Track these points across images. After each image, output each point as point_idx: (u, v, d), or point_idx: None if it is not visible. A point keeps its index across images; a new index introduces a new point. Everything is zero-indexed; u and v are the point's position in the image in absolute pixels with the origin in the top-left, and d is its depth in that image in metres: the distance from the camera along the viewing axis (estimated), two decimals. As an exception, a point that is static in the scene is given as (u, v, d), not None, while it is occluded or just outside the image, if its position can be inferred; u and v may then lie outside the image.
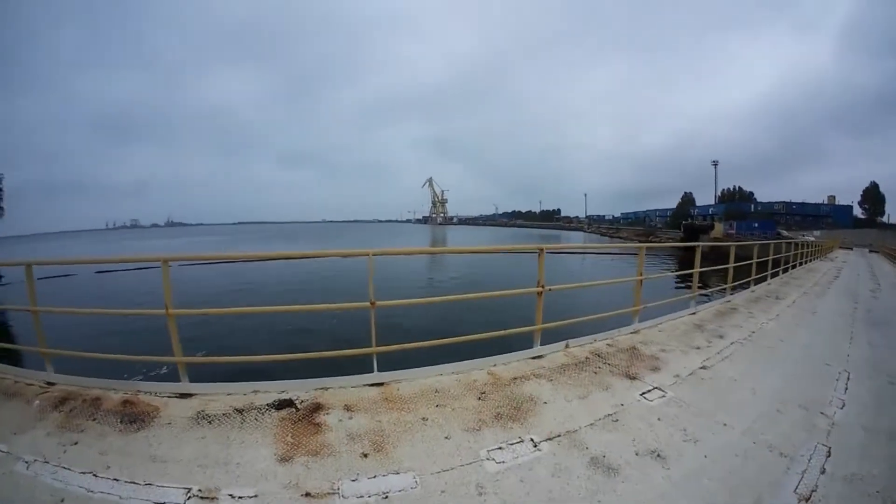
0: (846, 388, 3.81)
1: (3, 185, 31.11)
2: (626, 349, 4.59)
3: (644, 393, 3.46)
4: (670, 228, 75.44)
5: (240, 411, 2.98)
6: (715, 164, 64.97)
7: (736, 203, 75.27)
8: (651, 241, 67.62)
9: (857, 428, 3.07)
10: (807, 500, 2.28)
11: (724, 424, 2.99)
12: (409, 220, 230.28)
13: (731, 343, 5.02)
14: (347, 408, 3.06)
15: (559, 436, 2.77)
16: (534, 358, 4.24)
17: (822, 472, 2.51)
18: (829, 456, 2.68)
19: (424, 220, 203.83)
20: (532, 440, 2.72)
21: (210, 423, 2.86)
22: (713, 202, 73.62)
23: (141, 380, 3.53)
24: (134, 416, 2.94)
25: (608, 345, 4.76)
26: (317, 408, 3.04)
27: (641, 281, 5.53)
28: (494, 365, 3.98)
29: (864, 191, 67.35)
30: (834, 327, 6.23)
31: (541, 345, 4.40)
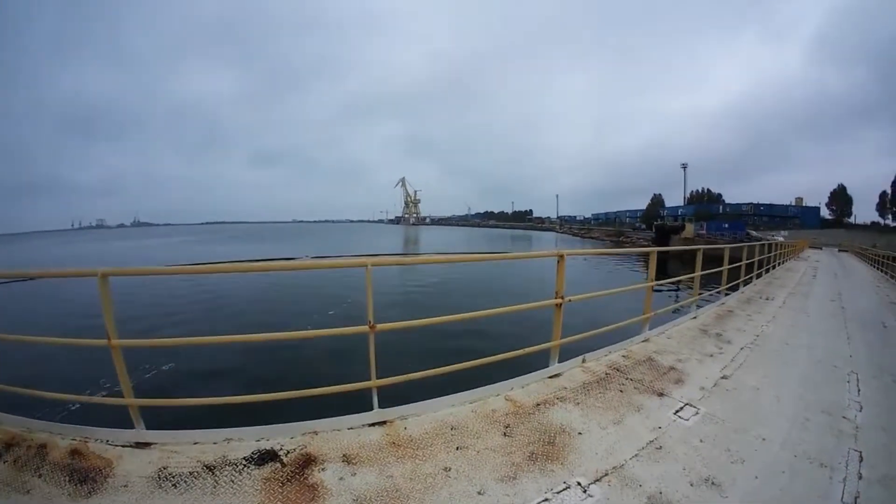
0: (859, 390, 3.83)
1: None
2: (642, 360, 4.32)
3: (677, 411, 3.20)
4: (641, 230, 76.78)
5: (210, 469, 2.33)
6: (684, 166, 66.53)
7: (705, 204, 77.03)
8: (622, 241, 69.28)
9: (879, 430, 3.10)
10: None
11: (763, 439, 2.86)
12: (381, 221, 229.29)
13: (741, 349, 4.90)
14: (347, 459, 2.44)
15: (607, 474, 2.40)
16: (552, 377, 3.76)
17: (860, 477, 2.50)
18: (862, 460, 2.67)
19: (397, 221, 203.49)
20: (579, 484, 2.29)
21: (175, 485, 2.21)
22: (682, 203, 75.38)
23: (91, 425, 2.80)
24: (84, 474, 2.31)
25: (624, 357, 4.42)
26: (307, 461, 2.41)
27: (652, 287, 5.19)
28: (512, 389, 3.46)
29: (831, 193, 69.85)
30: (829, 328, 6.28)
31: (558, 361, 3.91)
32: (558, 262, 3.71)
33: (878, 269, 17.42)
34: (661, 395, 3.49)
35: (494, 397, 3.29)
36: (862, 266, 19.76)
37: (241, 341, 2.67)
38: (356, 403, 2.94)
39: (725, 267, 7.97)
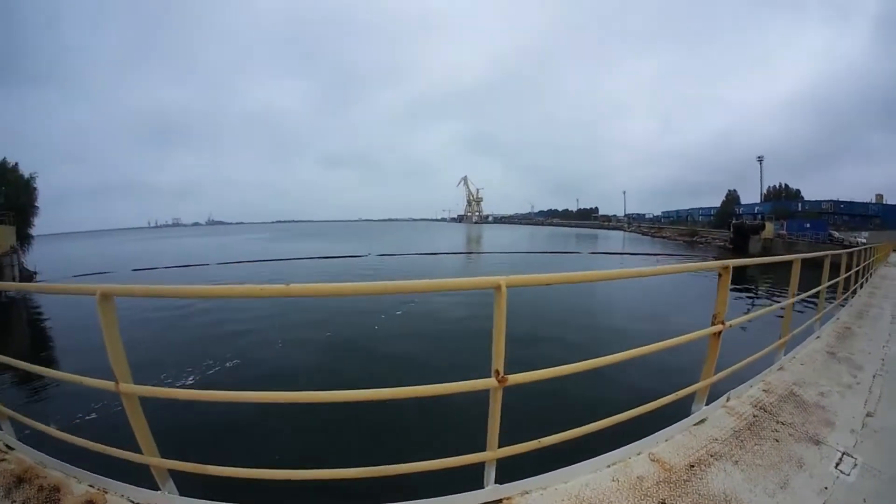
0: None
1: (37, 184, 31.63)
2: (786, 396, 3.72)
3: (837, 464, 2.73)
4: (715, 228, 72.09)
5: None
6: (760, 159, 61.70)
7: (782, 201, 70.23)
8: (696, 241, 65.43)
9: None
10: None
11: None
12: (443, 219, 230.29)
13: (873, 376, 4.32)
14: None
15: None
16: (697, 424, 3.13)
17: None
18: None
19: (459, 219, 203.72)
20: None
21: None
22: (759, 200, 70.01)
23: (112, 472, 2.38)
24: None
25: (765, 392, 3.78)
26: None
27: (792, 305, 4.46)
28: (656, 444, 2.85)
29: None
30: None
31: (705, 405, 3.27)
32: (720, 276, 3.04)
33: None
34: (816, 442, 2.97)
35: (636, 457, 2.69)
36: None
37: (299, 402, 1.96)
38: (456, 476, 2.16)
39: (842, 276, 7.03)
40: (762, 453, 2.80)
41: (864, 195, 63.84)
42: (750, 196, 78.76)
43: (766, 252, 41.54)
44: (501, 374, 2.02)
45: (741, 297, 22.77)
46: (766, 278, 30.28)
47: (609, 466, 2.57)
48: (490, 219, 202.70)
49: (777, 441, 2.96)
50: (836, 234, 45.93)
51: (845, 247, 37.63)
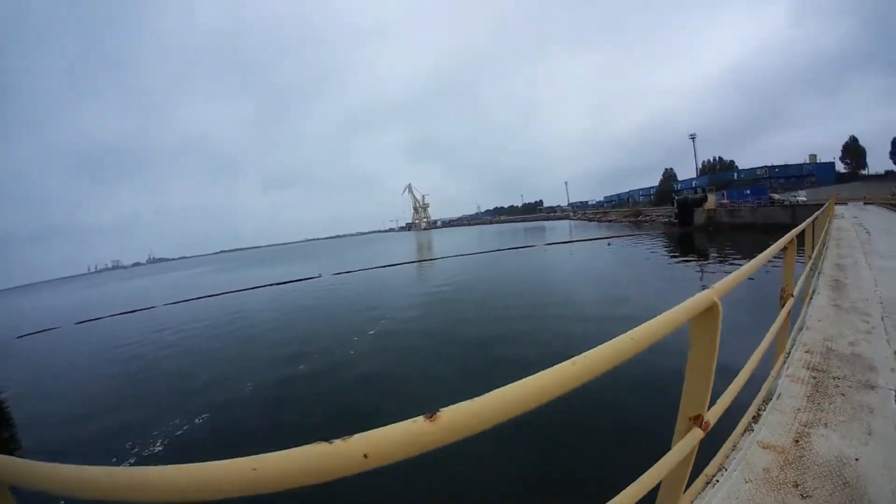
0: None
1: None
2: (825, 352, 3.80)
3: None
4: (657, 206, 75.57)
5: None
6: (693, 136, 65.28)
7: (718, 173, 75.25)
8: (641, 220, 68.18)
9: None
10: None
11: None
12: (391, 229, 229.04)
13: (882, 319, 4.58)
14: None
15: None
16: (777, 399, 3.04)
17: None
18: None
19: (408, 228, 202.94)
20: None
21: None
22: (695, 175, 73.93)
23: None
24: None
25: (806, 352, 3.82)
26: None
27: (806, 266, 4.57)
28: (758, 431, 2.72)
29: (843, 146, 68.34)
30: None
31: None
32: (785, 250, 2.88)
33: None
34: (871, 387, 3.13)
35: (749, 451, 2.53)
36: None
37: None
38: None
39: (817, 235, 7.21)
40: (839, 409, 2.84)
41: (798, 157, 69.28)
42: (686, 172, 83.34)
43: (710, 222, 43.68)
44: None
45: (693, 265, 23.74)
46: (714, 245, 32.03)
47: (736, 470, 2.38)
48: (438, 223, 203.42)
49: (843, 395, 3.02)
50: (776, 195, 49.45)
51: (785, 206, 40.87)
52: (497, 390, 0.86)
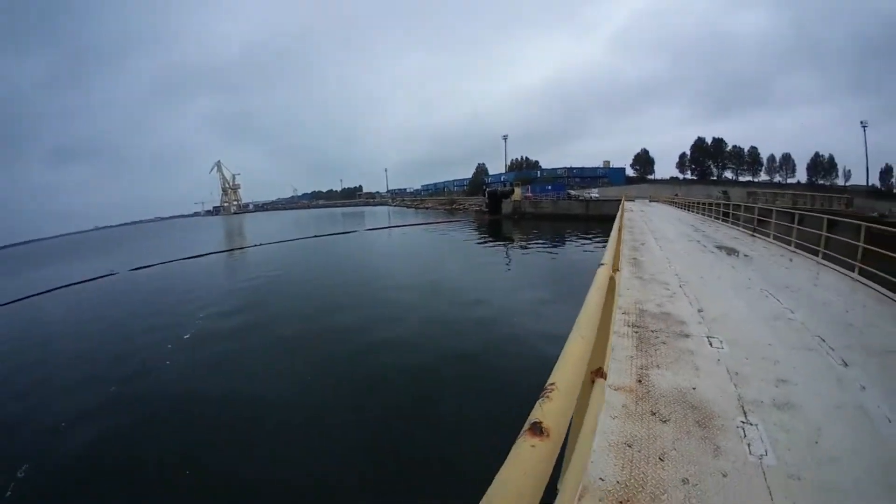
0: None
1: None
2: (639, 312, 4.67)
3: (710, 343, 3.75)
4: (470, 195, 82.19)
5: None
6: (505, 137, 72.17)
7: (525, 171, 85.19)
8: (455, 208, 73.36)
9: None
10: None
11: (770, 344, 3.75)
12: (197, 214, 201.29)
13: (679, 286, 5.86)
14: None
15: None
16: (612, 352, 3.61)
17: None
18: None
19: (216, 211, 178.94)
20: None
21: None
22: (504, 171, 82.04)
23: None
24: None
25: (623, 313, 4.63)
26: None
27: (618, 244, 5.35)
28: (606, 377, 3.09)
29: (635, 155, 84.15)
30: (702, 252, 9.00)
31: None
32: None
33: (689, 211, 22.44)
34: (687, 335, 3.90)
35: (608, 394, 2.90)
36: (676, 211, 24.54)
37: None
38: None
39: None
40: (665, 354, 3.46)
41: (595, 162, 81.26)
42: (497, 167, 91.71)
43: (516, 212, 49.11)
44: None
45: (500, 247, 26.62)
46: (518, 231, 36.39)
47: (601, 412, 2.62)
48: (251, 207, 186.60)
49: (665, 343, 3.70)
50: (573, 192, 58.06)
51: (580, 200, 48.50)
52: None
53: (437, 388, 7.60)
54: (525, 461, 0.69)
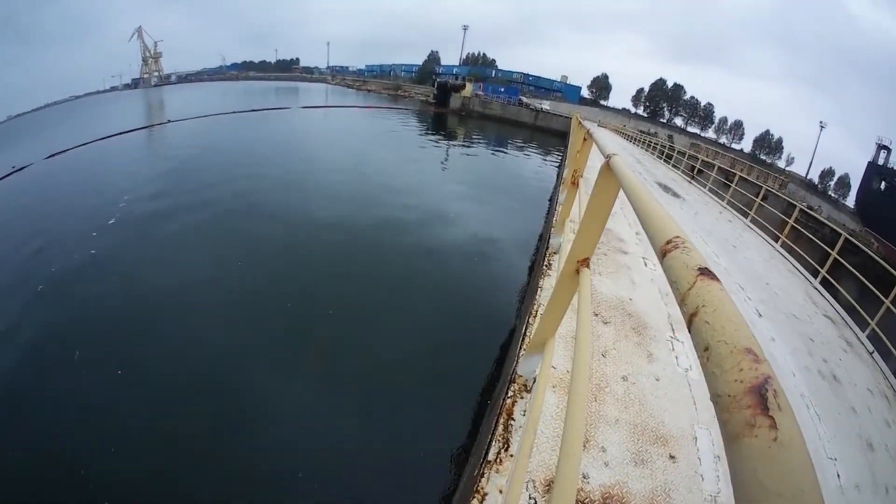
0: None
1: None
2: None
3: (645, 264, 4.27)
4: (417, 83, 78.11)
5: None
6: (465, 28, 67.35)
7: (480, 67, 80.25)
8: (400, 94, 70.13)
9: None
10: None
11: None
12: (114, 88, 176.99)
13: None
14: None
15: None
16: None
17: None
18: None
19: (135, 85, 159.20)
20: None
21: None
22: (458, 63, 77.61)
23: None
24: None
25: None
26: None
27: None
28: None
29: (594, 78, 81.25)
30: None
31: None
32: None
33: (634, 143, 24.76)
34: (625, 252, 4.42)
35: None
36: (623, 141, 26.69)
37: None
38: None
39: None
40: (606, 265, 4.02)
41: (552, 75, 77.36)
42: (451, 59, 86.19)
43: (464, 108, 47.79)
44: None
45: (442, 141, 26.47)
46: (462, 128, 35.94)
47: None
48: (173, 78, 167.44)
49: (606, 255, 4.23)
50: (525, 99, 56.91)
51: (531, 109, 47.90)
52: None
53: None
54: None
